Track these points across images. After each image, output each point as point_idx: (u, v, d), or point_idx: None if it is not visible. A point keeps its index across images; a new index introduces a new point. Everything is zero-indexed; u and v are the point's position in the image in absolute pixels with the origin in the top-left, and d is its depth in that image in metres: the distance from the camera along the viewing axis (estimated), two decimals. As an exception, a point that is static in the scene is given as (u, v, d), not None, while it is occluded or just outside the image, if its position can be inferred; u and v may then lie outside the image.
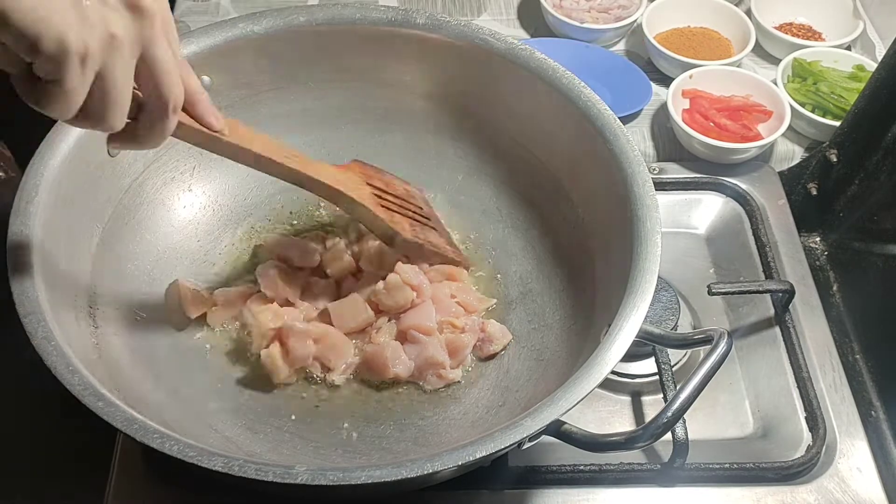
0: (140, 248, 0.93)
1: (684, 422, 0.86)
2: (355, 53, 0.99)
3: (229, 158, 0.79)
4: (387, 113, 1.03)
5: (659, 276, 0.78)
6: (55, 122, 0.84)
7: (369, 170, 0.95)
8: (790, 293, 0.98)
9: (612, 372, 0.74)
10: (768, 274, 1.02)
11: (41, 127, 0.83)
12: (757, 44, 1.27)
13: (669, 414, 0.70)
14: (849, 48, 1.28)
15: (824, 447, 0.89)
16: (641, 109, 1.21)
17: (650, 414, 0.94)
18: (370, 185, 0.92)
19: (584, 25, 1.28)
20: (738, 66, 1.24)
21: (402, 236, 0.90)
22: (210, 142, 0.76)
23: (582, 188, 0.93)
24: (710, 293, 0.97)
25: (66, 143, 0.83)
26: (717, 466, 0.87)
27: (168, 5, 0.64)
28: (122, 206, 0.92)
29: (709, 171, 1.13)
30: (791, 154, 1.18)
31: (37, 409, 1.11)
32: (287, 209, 1.02)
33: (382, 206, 0.91)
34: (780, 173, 1.15)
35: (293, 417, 0.87)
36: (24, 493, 1.20)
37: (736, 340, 1.00)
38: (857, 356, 1.02)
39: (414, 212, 0.95)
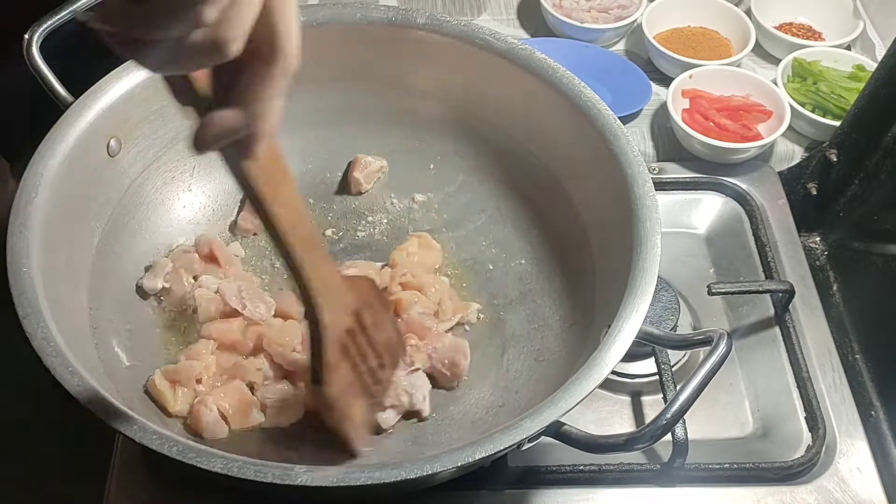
0: (140, 249, 0.93)
1: (684, 422, 0.85)
2: (355, 53, 0.99)
3: (248, 197, 0.66)
4: (387, 113, 1.03)
5: (659, 276, 0.78)
6: (54, 122, 0.85)
7: (373, 298, 0.81)
8: (790, 293, 0.98)
9: (612, 372, 0.74)
10: (768, 274, 1.02)
11: (40, 127, 0.83)
12: (757, 44, 1.27)
13: (669, 415, 0.70)
14: (849, 48, 1.28)
15: (824, 447, 0.89)
16: (641, 109, 1.20)
17: (650, 414, 0.94)
18: (357, 316, 0.78)
19: (584, 25, 1.28)
20: (737, 66, 1.24)
21: (324, 390, 0.77)
22: (233, 163, 0.62)
23: (582, 188, 0.93)
24: (710, 293, 0.97)
25: (66, 144, 0.84)
26: (717, 466, 0.87)
27: None
28: (122, 206, 0.92)
29: (709, 171, 1.13)
30: (791, 154, 1.18)
31: (37, 409, 1.11)
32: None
33: (340, 348, 0.77)
34: (780, 173, 1.15)
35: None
36: (24, 493, 1.20)
37: (736, 340, 1.00)
38: (857, 356, 1.02)
39: (369, 376, 0.82)
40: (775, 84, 1.18)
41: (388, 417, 0.85)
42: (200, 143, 0.57)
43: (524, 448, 0.72)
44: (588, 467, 0.87)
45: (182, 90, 0.57)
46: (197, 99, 0.56)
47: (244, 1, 0.50)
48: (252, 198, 0.65)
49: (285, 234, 0.68)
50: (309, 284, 0.72)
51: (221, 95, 0.56)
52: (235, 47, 0.51)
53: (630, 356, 0.88)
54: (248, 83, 0.55)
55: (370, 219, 1.03)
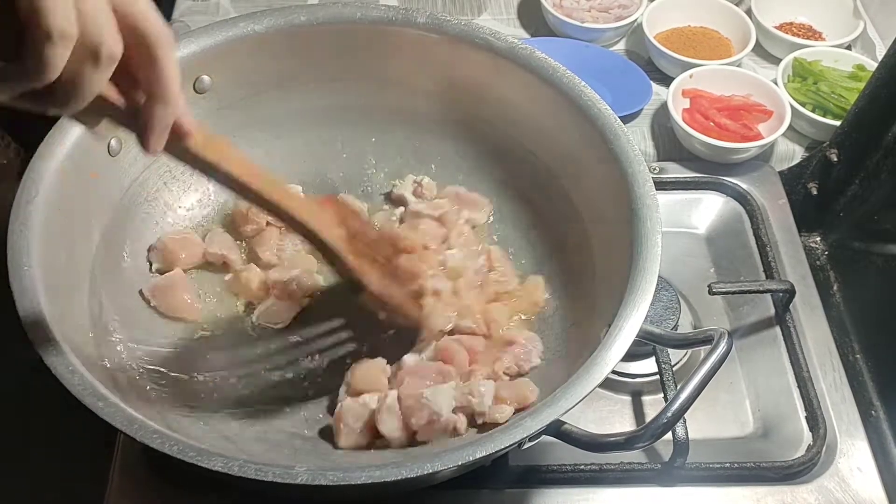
0: (140, 249, 0.93)
1: (684, 421, 0.85)
2: (356, 53, 0.99)
3: (198, 172, 0.71)
4: (387, 112, 1.03)
5: (659, 276, 0.78)
6: (54, 122, 0.84)
7: (345, 210, 0.87)
8: (790, 293, 0.98)
9: (613, 371, 0.74)
10: (768, 274, 1.02)
11: (41, 127, 0.83)
12: (757, 43, 1.27)
13: (670, 414, 0.70)
14: (849, 48, 1.28)
15: (824, 447, 0.89)
16: (641, 109, 1.21)
17: (650, 414, 0.94)
18: (344, 225, 0.84)
19: (585, 25, 1.28)
20: (738, 66, 1.24)
21: (369, 290, 0.84)
22: (174, 148, 0.67)
23: (582, 188, 0.93)
24: (711, 293, 0.97)
25: (66, 144, 0.83)
26: (718, 466, 0.87)
27: None
28: (123, 206, 0.92)
29: (709, 170, 1.13)
30: (791, 154, 1.18)
31: (37, 409, 1.11)
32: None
33: (352, 252, 0.84)
34: (781, 173, 1.15)
35: (292, 417, 0.87)
36: (25, 493, 1.20)
37: (736, 340, 1.00)
38: (858, 356, 1.02)
39: (384, 261, 0.88)
40: (776, 84, 1.18)
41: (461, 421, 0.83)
42: (153, 144, 0.62)
43: (525, 447, 0.72)
44: (589, 467, 0.87)
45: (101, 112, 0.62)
46: (116, 114, 0.62)
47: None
48: (206, 171, 0.71)
49: (251, 184, 0.73)
50: (295, 215, 0.78)
51: (135, 99, 0.61)
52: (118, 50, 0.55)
53: (631, 356, 0.88)
54: (151, 79, 0.60)
55: (371, 219, 1.03)
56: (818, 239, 1.16)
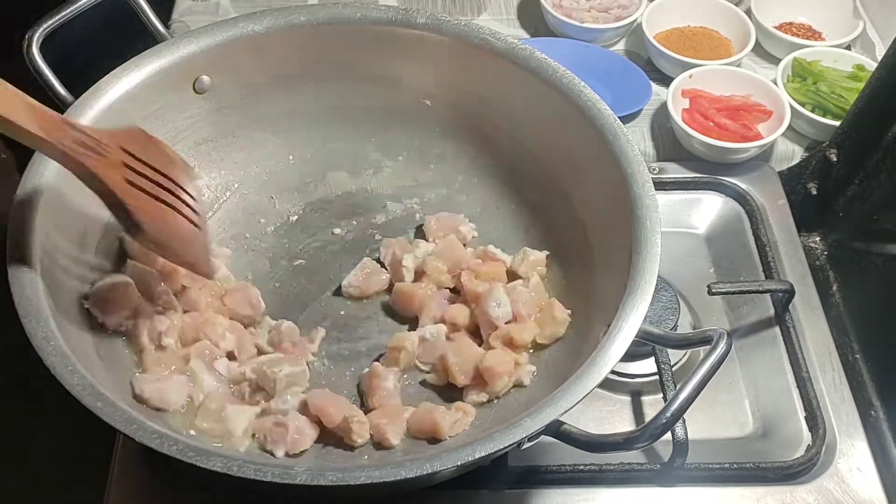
0: (140, 249, 0.93)
1: (684, 422, 0.85)
2: (356, 53, 0.99)
3: None
4: (387, 112, 1.03)
5: (659, 276, 0.78)
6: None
7: (132, 133, 0.80)
8: (790, 293, 0.98)
9: (612, 371, 0.74)
10: (768, 274, 1.02)
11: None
12: (757, 43, 1.27)
13: (669, 414, 0.70)
14: (849, 48, 1.28)
15: (824, 447, 0.89)
16: (641, 109, 1.21)
17: (650, 414, 0.94)
18: (125, 149, 0.76)
19: (584, 25, 1.28)
20: (738, 66, 1.24)
21: (144, 232, 0.76)
22: None
23: (582, 188, 0.93)
24: (710, 293, 0.97)
25: (66, 143, 0.83)
26: (717, 466, 0.87)
27: None
28: (122, 205, 0.92)
29: (709, 170, 1.13)
30: (791, 154, 1.18)
31: (37, 409, 1.11)
32: (293, 209, 1.02)
33: (130, 184, 0.75)
34: (780, 173, 1.15)
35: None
36: (24, 493, 1.20)
37: (736, 340, 1.00)
38: (857, 356, 1.02)
39: (173, 198, 0.80)
40: (775, 84, 1.18)
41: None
42: None
43: (524, 447, 0.72)
44: (588, 467, 0.87)
45: None
46: None
47: None
48: None
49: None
50: (43, 137, 0.71)
51: None
52: None
53: (630, 356, 0.89)
54: None
55: (371, 219, 1.03)
56: (818, 239, 1.16)
